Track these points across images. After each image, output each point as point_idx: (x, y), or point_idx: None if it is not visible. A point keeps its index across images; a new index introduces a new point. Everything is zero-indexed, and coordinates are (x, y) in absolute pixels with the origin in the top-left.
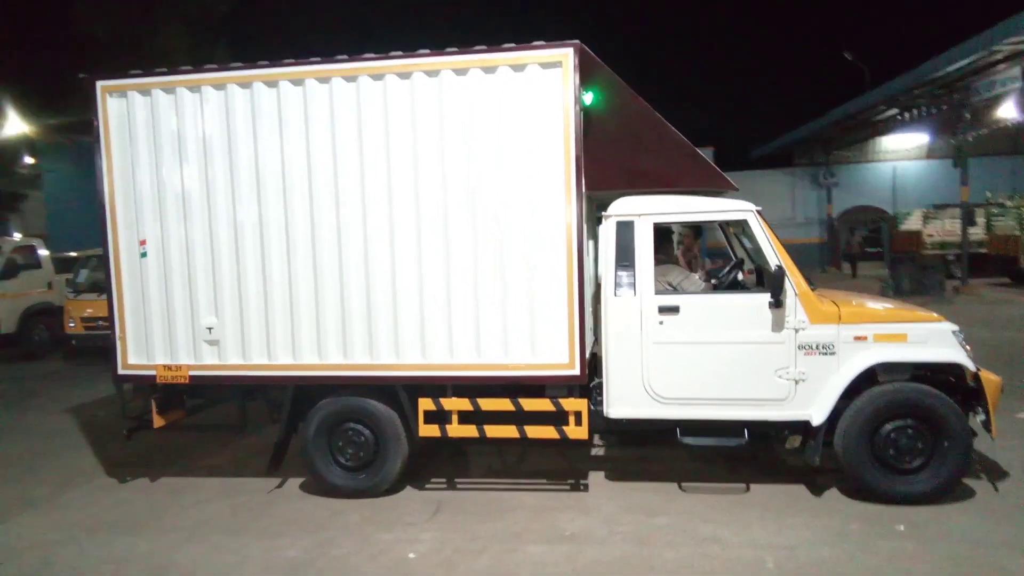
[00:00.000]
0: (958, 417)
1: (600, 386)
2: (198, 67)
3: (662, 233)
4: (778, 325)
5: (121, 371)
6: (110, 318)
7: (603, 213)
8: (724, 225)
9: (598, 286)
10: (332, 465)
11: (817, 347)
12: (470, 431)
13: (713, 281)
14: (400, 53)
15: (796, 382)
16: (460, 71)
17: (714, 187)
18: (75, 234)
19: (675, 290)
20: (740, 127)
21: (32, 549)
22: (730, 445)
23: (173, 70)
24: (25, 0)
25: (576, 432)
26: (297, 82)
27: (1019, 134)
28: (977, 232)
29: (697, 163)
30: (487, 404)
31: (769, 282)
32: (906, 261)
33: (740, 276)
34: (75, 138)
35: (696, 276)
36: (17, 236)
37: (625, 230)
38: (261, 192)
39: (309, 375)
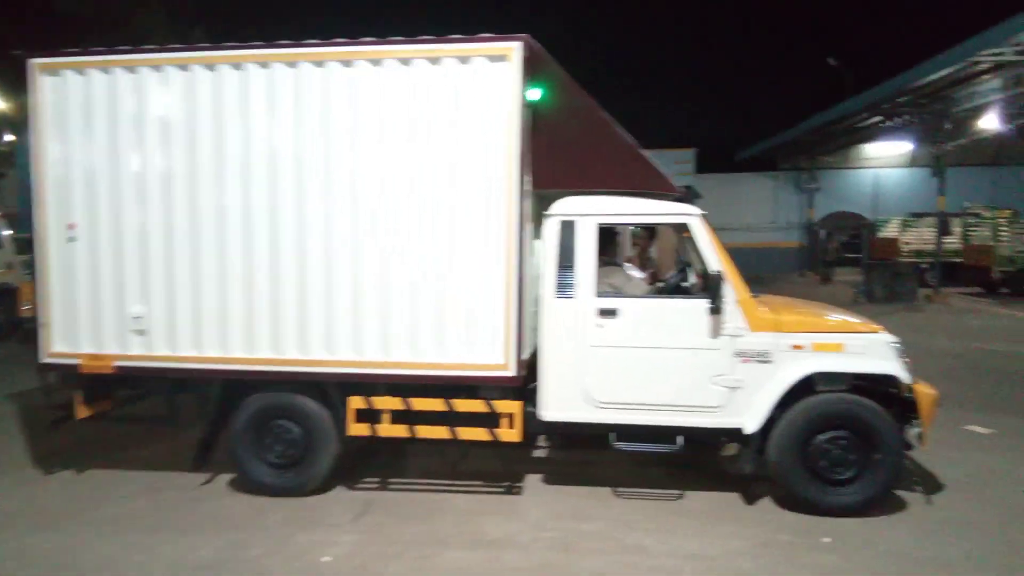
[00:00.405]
0: (890, 430)
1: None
2: (136, 47)
3: (608, 234)
4: (716, 331)
5: (44, 359)
6: (35, 303)
7: (545, 212)
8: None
9: None
10: (260, 462)
11: (754, 355)
12: (401, 431)
13: (660, 284)
14: (342, 40)
15: (732, 389)
16: (405, 60)
17: (657, 190)
18: None
19: (617, 293)
20: (725, 129)
21: None
22: (663, 452)
23: (111, 49)
24: None
25: (508, 435)
26: (237, 66)
27: (1000, 145)
28: (953, 241)
29: (642, 165)
30: (419, 404)
31: (708, 287)
32: (879, 268)
33: (692, 280)
34: None
35: (640, 279)
36: None
37: (567, 230)
38: (194, 179)
39: (238, 369)
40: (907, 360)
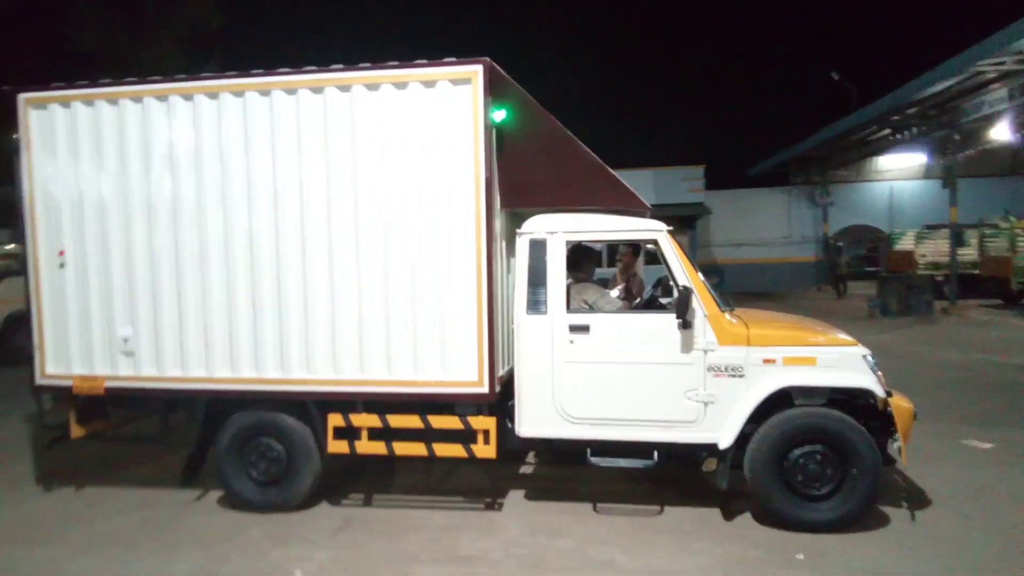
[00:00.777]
0: (867, 444)
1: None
2: (117, 80)
3: (583, 251)
4: (687, 346)
5: (39, 381)
6: (29, 328)
7: (517, 231)
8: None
9: None
10: (244, 479)
11: (726, 369)
12: (379, 448)
13: (638, 300)
14: (313, 68)
15: (705, 404)
16: (372, 86)
17: (628, 207)
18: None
19: (591, 309)
20: (733, 146)
21: None
22: (637, 467)
23: (93, 83)
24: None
25: (484, 451)
26: (213, 95)
27: (1016, 155)
28: (970, 253)
29: (610, 183)
30: (396, 421)
31: (676, 303)
32: (893, 281)
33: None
34: None
35: (613, 295)
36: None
37: (537, 248)
38: (176, 205)
39: (221, 388)
40: (879, 373)
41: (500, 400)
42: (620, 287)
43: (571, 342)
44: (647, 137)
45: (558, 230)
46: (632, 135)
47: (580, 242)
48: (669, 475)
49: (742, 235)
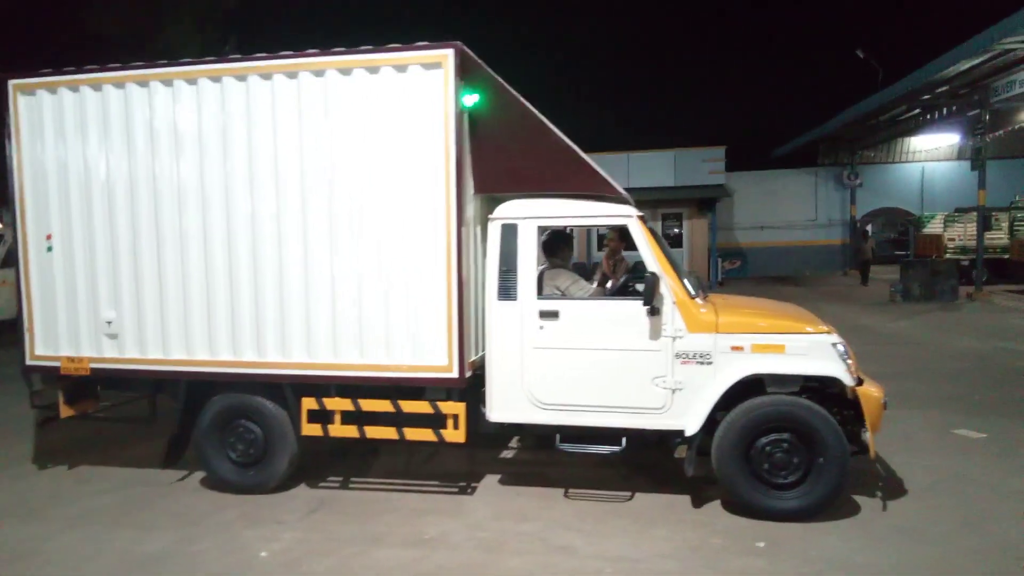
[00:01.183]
0: (834, 433)
1: None
2: (102, 66)
3: (560, 237)
4: (655, 333)
5: (29, 362)
6: (19, 310)
7: (489, 216)
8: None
9: None
10: (224, 460)
11: (694, 356)
12: (351, 431)
13: (610, 284)
14: (288, 53)
15: (673, 391)
16: (345, 71)
17: (601, 192)
18: None
19: (563, 295)
20: (757, 127)
21: None
22: (605, 453)
23: (78, 69)
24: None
25: (453, 435)
26: (191, 81)
27: None
28: (1001, 237)
29: (581, 167)
30: (368, 405)
31: (643, 289)
32: (917, 266)
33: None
34: None
35: (585, 282)
36: None
37: (508, 233)
38: (156, 190)
39: (200, 371)
40: (849, 361)
41: (473, 385)
42: (597, 274)
43: (541, 328)
44: (669, 118)
45: (529, 215)
46: (654, 116)
47: (555, 228)
48: (647, 461)
49: (767, 218)
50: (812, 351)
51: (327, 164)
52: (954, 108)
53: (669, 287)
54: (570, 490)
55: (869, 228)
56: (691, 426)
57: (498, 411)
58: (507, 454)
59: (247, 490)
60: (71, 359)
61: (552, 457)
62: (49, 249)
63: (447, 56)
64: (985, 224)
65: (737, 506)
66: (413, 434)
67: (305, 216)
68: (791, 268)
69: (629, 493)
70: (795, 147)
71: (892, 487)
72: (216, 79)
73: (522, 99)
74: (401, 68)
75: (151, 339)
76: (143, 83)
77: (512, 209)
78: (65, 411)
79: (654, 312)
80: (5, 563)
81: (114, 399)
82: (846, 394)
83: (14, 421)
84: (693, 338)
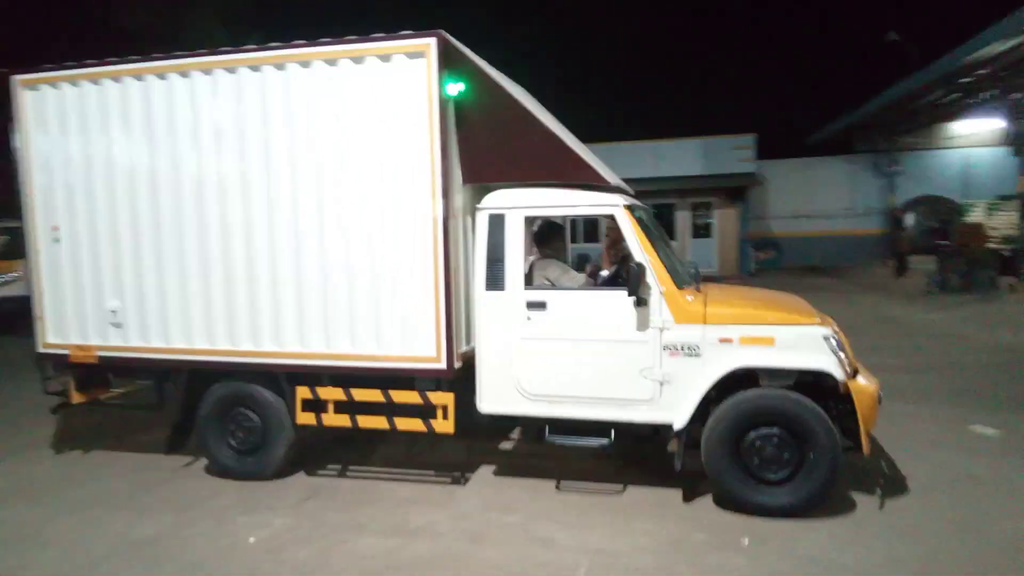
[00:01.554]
0: (825, 428)
1: None
2: (102, 61)
3: (552, 228)
4: (643, 324)
5: (41, 349)
6: (31, 299)
7: (477, 206)
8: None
9: None
10: (224, 447)
11: (682, 348)
12: (344, 420)
13: (603, 274)
14: (277, 44)
15: (661, 383)
16: (331, 61)
17: (588, 182)
18: None
19: (552, 286)
20: (795, 114)
21: None
22: (594, 446)
23: (80, 64)
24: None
25: (443, 426)
26: (184, 74)
27: None
28: None
29: (568, 156)
30: (360, 395)
31: (628, 279)
32: (954, 256)
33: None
34: None
35: (576, 272)
36: None
37: (496, 223)
38: (155, 184)
39: (200, 360)
40: (841, 354)
41: (466, 376)
42: (594, 265)
43: (528, 319)
44: (699, 107)
45: (515, 205)
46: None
47: (545, 218)
48: (644, 454)
49: (801, 206)
50: (802, 343)
51: (316, 156)
52: (997, 91)
53: (656, 278)
54: (562, 482)
55: (907, 216)
56: (679, 419)
57: (488, 402)
58: (507, 445)
59: (246, 477)
60: (79, 347)
61: (550, 449)
62: (56, 240)
63: (430, 45)
64: None
65: (727, 502)
66: (404, 424)
67: (296, 208)
68: (827, 258)
69: (621, 486)
70: (830, 134)
71: (894, 484)
72: (208, 71)
73: (509, 88)
74: (385, 58)
75: (153, 328)
76: (139, 77)
77: (499, 199)
78: (76, 397)
79: (640, 303)
80: (5, 543)
81: (126, 386)
82: (839, 388)
83: (37, 407)
84: (681, 329)
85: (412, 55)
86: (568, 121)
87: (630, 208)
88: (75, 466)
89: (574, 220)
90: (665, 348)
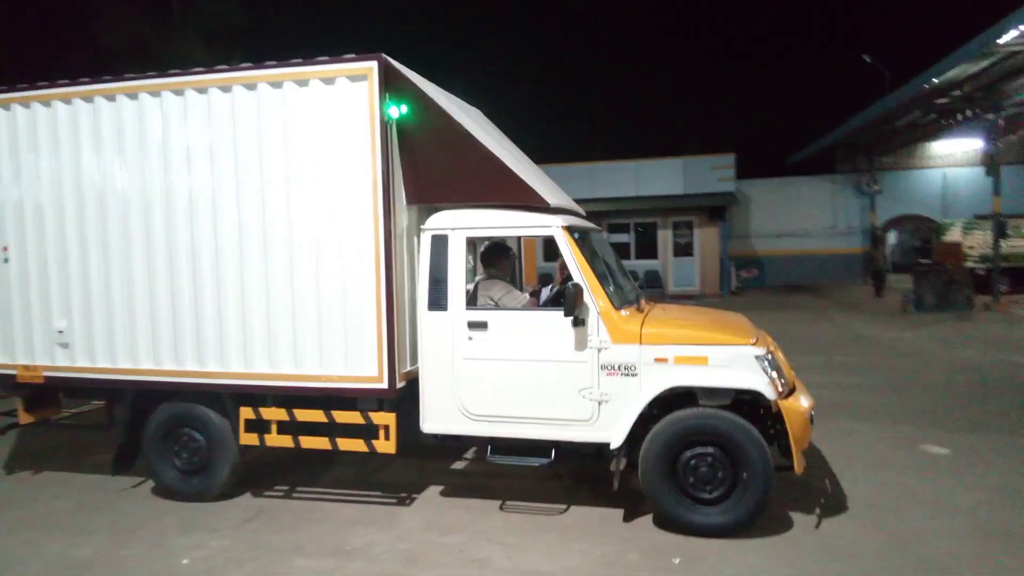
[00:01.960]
0: (758, 448)
1: None
2: (52, 83)
3: (499, 248)
4: (581, 344)
5: None
6: None
7: (421, 227)
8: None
9: None
10: (169, 468)
11: (619, 368)
12: (286, 441)
13: (546, 294)
14: (224, 67)
15: (599, 403)
16: (276, 84)
17: (526, 203)
18: None
19: (496, 305)
20: (777, 133)
21: None
22: (534, 465)
23: (31, 85)
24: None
25: (384, 446)
26: (132, 96)
27: None
28: (1023, 245)
29: (506, 177)
30: (303, 415)
31: (565, 299)
32: (930, 275)
33: None
34: None
35: (519, 292)
36: None
37: (438, 244)
38: (103, 204)
39: (145, 380)
40: (773, 374)
41: (410, 395)
42: (540, 286)
43: (470, 339)
44: (679, 127)
45: (458, 226)
46: (663, 125)
47: (493, 238)
48: (593, 474)
49: (784, 225)
50: (734, 363)
51: (260, 178)
52: (971, 113)
53: (593, 298)
54: (507, 502)
55: (887, 235)
56: (616, 438)
57: (431, 422)
58: (459, 465)
59: (191, 497)
60: (27, 367)
61: (500, 469)
62: (6, 260)
63: (372, 68)
64: (1001, 231)
65: (664, 521)
66: (346, 444)
67: (241, 229)
68: (809, 277)
69: (564, 506)
70: (811, 153)
71: (834, 503)
72: (155, 94)
73: (454, 109)
74: (329, 80)
75: (100, 348)
76: (88, 99)
77: (442, 220)
78: (25, 418)
79: (578, 323)
80: None
81: (80, 406)
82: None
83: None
84: (617, 349)
85: (354, 78)
86: (550, 141)
87: (569, 229)
88: (22, 486)
89: (541, 240)
90: (603, 368)
